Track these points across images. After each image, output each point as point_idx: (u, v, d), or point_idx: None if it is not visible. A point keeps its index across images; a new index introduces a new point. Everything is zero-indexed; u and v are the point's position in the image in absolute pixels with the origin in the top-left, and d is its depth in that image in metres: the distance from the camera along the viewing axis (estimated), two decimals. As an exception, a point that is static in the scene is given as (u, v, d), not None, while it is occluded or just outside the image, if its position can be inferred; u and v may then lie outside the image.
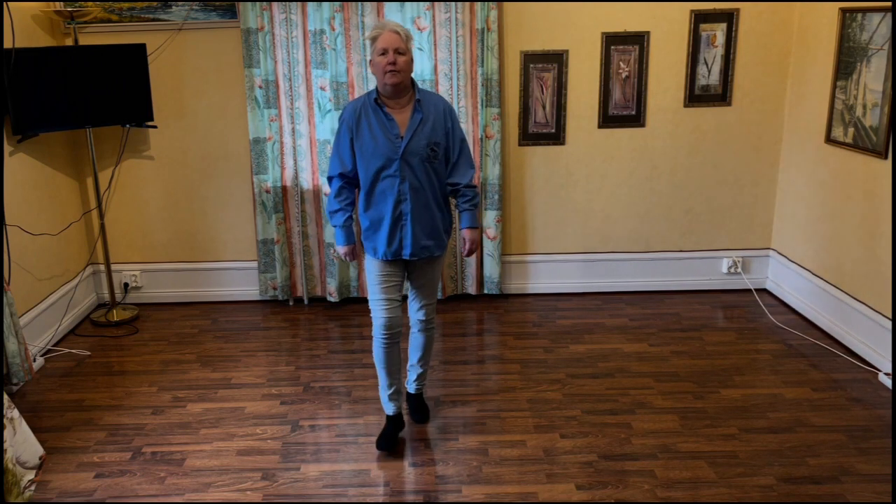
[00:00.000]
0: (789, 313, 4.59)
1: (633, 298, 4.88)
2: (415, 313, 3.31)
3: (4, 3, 3.80)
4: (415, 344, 3.38)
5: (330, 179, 3.18)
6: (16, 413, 2.68)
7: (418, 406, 3.49)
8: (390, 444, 3.24)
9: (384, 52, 2.91)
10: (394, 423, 3.30)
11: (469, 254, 3.24)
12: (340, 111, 3.03)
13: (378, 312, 3.16)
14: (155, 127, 4.61)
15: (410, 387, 3.50)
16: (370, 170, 3.03)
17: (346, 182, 3.14)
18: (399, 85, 2.95)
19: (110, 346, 4.34)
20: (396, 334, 3.18)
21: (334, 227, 3.21)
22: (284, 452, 3.23)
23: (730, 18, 4.52)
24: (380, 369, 3.24)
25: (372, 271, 3.17)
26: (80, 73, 4.18)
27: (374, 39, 2.96)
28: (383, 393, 3.30)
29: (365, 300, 4.74)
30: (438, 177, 3.10)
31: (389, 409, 3.31)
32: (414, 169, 3.01)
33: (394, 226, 3.06)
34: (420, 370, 3.43)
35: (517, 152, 4.75)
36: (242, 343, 4.34)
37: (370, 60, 3.00)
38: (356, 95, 4.51)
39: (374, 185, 3.05)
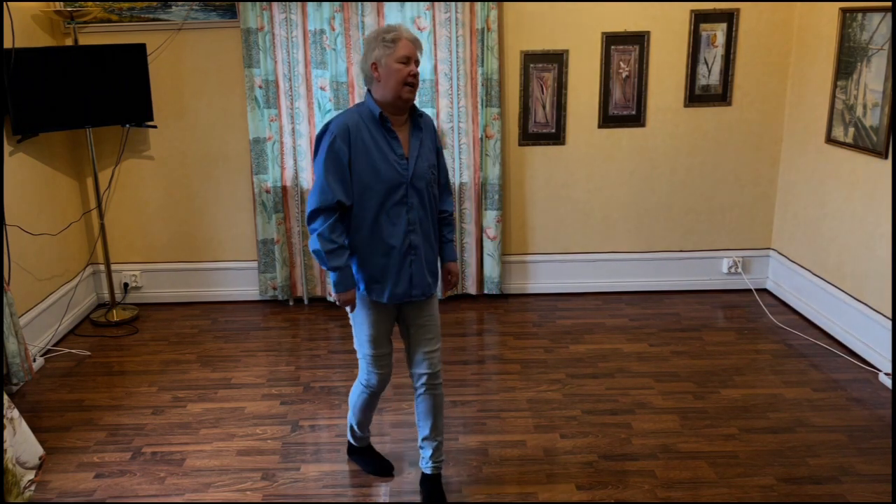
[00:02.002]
0: (789, 313, 4.59)
1: (633, 298, 4.88)
2: (418, 366, 2.77)
3: (4, 3, 3.80)
4: (422, 410, 2.81)
5: (316, 214, 2.58)
6: (16, 413, 2.68)
7: (434, 492, 2.86)
8: (385, 467, 3.05)
9: (406, 61, 2.53)
10: (370, 451, 3.10)
11: (451, 287, 2.92)
12: (326, 125, 2.52)
13: (372, 369, 2.80)
14: (155, 127, 4.61)
15: (425, 466, 2.89)
16: (373, 198, 2.58)
17: (341, 216, 2.62)
18: (411, 101, 2.62)
19: (110, 346, 4.34)
20: (384, 387, 2.90)
21: (334, 269, 2.60)
22: (284, 452, 3.23)
23: (730, 18, 4.52)
24: (357, 412, 2.94)
25: (365, 321, 2.72)
26: (80, 73, 4.18)
27: (393, 41, 2.53)
28: (352, 436, 3.06)
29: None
30: (434, 203, 2.73)
31: (361, 444, 3.08)
32: (420, 195, 2.64)
33: (402, 262, 2.64)
34: (435, 443, 2.85)
35: (517, 152, 4.75)
36: (242, 343, 4.34)
37: (380, 63, 2.54)
38: (356, 95, 4.51)
39: (378, 217, 2.60)
